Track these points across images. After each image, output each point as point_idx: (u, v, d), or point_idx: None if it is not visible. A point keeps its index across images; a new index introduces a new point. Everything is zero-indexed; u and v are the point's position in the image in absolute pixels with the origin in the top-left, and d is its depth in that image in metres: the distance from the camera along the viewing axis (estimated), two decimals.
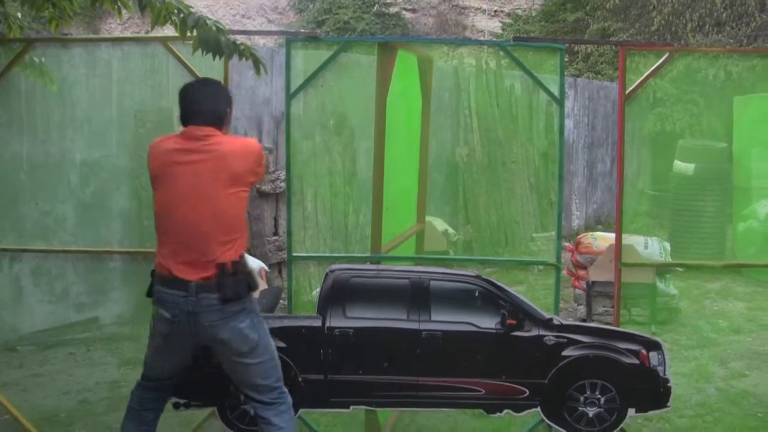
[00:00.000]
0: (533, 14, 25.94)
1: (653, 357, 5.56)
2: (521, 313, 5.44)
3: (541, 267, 11.83)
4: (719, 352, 8.81)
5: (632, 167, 19.41)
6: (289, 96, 5.52)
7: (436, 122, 13.61)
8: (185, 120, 4.72)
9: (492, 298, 5.50)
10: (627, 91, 5.82)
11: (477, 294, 5.52)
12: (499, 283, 5.61)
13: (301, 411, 5.36)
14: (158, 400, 5.02)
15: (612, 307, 9.61)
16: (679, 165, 13.85)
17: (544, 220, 15.32)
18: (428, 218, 9.67)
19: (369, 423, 5.78)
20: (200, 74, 5.38)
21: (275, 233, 10.08)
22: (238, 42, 4.98)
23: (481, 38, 26.96)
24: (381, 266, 5.70)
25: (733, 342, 9.25)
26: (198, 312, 4.55)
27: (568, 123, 17.16)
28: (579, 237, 10.32)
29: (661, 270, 9.75)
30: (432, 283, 5.48)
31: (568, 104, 17.31)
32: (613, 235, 10.15)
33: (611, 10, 22.90)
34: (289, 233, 5.81)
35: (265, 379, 4.79)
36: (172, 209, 4.59)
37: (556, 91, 5.85)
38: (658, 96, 19.37)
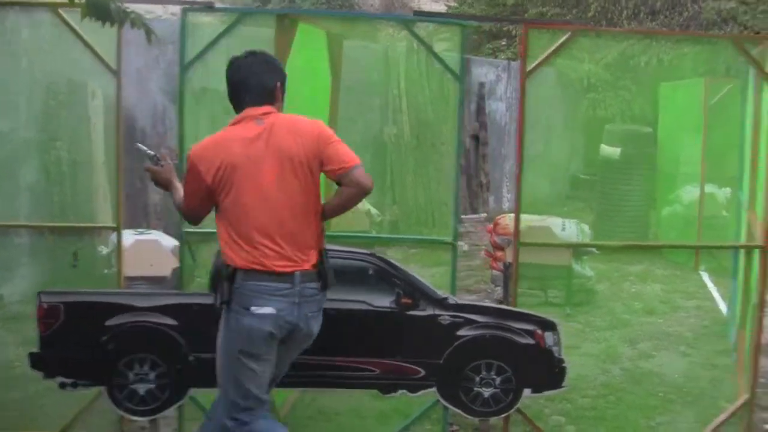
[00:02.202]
0: None
1: (548, 337, 5.56)
2: (416, 292, 5.40)
3: (465, 248, 11.85)
4: (630, 333, 8.89)
5: (564, 151, 19.53)
6: (183, 68, 5.38)
7: (364, 102, 13.62)
8: (237, 97, 4.47)
9: (386, 276, 5.45)
10: (528, 69, 5.77)
11: (371, 272, 5.47)
12: (393, 262, 5.57)
13: (191, 390, 5.28)
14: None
15: (529, 288, 9.80)
16: (606, 149, 13.94)
17: (474, 201, 15.29)
18: None
19: None
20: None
21: None
22: (128, 10, 4.85)
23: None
24: None
25: (645, 323, 9.34)
26: (302, 303, 4.37)
27: (501, 106, 17.21)
28: (497, 218, 10.32)
29: (578, 252, 9.79)
30: (331, 261, 5.42)
31: (501, 87, 17.35)
32: (532, 217, 10.27)
33: None
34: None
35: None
36: (258, 202, 4.29)
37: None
38: (592, 81, 19.50)
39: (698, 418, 6.64)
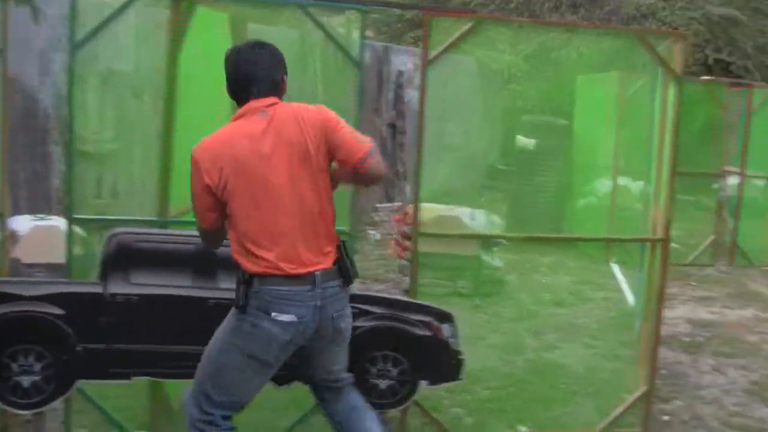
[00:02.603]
0: None
1: (445, 329, 5.53)
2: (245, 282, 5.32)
3: (378, 237, 11.86)
4: (537, 325, 8.94)
5: (483, 142, 19.61)
6: (74, 46, 5.14)
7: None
8: (241, 89, 4.26)
9: None
10: (429, 58, 5.76)
11: None
12: None
13: (79, 382, 5.14)
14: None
15: (437, 278, 9.80)
16: (522, 140, 14.01)
17: (390, 190, 15.30)
18: None
19: (154, 394, 5.58)
20: None
21: (98, 196, 9.72)
22: None
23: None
24: (167, 231, 5.46)
25: (553, 315, 9.41)
26: (325, 304, 4.21)
27: (418, 95, 17.13)
28: (406, 208, 10.31)
29: (487, 242, 9.81)
30: (220, 249, 5.33)
31: (419, 76, 17.28)
32: (441, 206, 10.28)
33: None
34: (69, 193, 5.48)
35: (347, 360, 4.63)
36: (271, 198, 4.09)
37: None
38: (512, 72, 19.62)
39: (598, 409, 6.66)
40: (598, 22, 20.70)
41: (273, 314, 4.12)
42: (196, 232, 5.04)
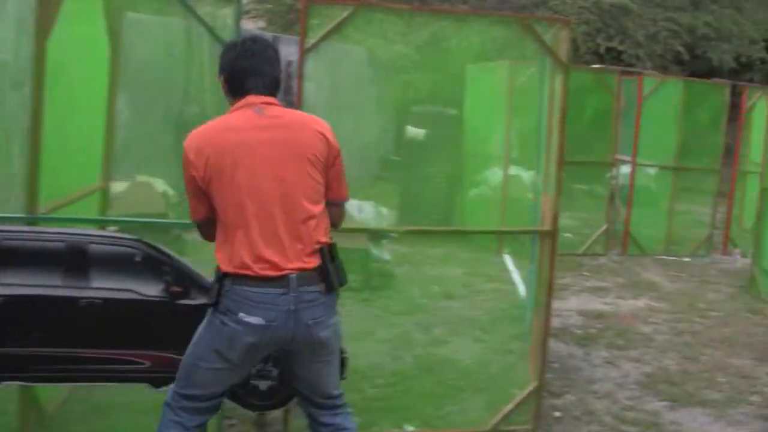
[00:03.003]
0: None
1: None
2: (186, 281, 5.00)
3: None
4: (426, 319, 8.67)
5: (375, 132, 19.38)
6: None
7: (166, 80, 13.07)
8: (239, 85, 4.07)
9: (156, 263, 5.03)
10: (308, 46, 5.48)
11: (139, 259, 5.05)
12: (163, 249, 5.16)
13: None
14: (203, 419, 4.31)
15: None
16: (411, 130, 13.75)
17: None
18: (147, 178, 9.13)
19: (24, 401, 5.23)
20: None
21: None
22: None
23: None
24: (35, 228, 5.12)
25: (443, 308, 9.16)
26: (300, 309, 3.95)
27: (310, 85, 16.84)
28: None
29: (375, 235, 9.53)
30: (91, 246, 4.96)
31: (309, 66, 16.99)
32: None
33: None
34: None
35: (337, 379, 4.40)
36: (256, 194, 3.93)
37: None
38: (403, 62, 19.39)
39: (488, 406, 6.43)
40: (489, 11, 20.59)
41: (240, 314, 3.94)
42: (64, 229, 4.73)
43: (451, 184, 13.67)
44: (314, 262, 4.01)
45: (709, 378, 7.54)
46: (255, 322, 3.93)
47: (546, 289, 6.27)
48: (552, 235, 6.17)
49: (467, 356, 7.66)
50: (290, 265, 3.94)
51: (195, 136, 3.98)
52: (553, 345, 8.12)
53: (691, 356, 8.12)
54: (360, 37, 19.85)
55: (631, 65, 19.48)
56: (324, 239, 4.09)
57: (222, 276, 4.00)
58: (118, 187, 10.36)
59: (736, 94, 15.88)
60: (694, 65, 21.96)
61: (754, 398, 7.12)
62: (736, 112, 14.87)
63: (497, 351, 7.87)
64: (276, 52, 4.22)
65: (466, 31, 18.51)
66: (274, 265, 3.93)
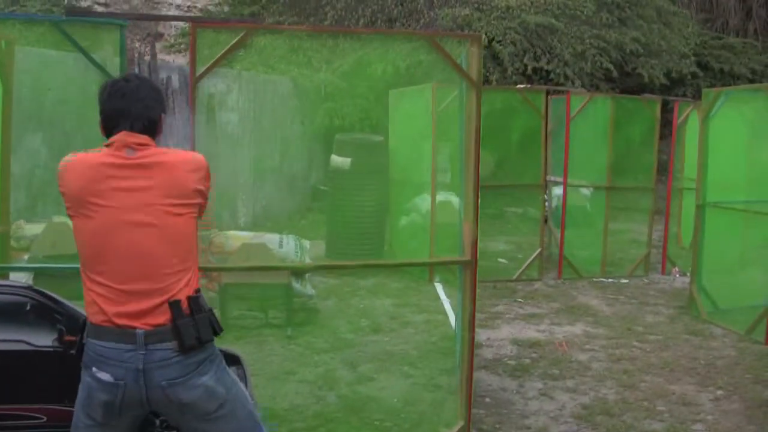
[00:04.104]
0: (225, 9, 25.19)
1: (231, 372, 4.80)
2: (81, 329, 4.55)
3: None
4: (352, 355, 8.21)
5: (303, 162, 19.03)
6: None
7: (82, 115, 12.54)
8: (112, 126, 3.71)
9: (47, 311, 4.68)
10: (197, 74, 5.06)
11: (29, 308, 4.64)
12: (54, 296, 4.75)
13: None
14: None
15: (248, 310, 9.07)
16: (336, 159, 13.29)
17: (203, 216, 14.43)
18: (65, 219, 8.67)
19: None
20: None
21: None
22: None
23: (172, 32, 26.18)
24: None
25: (370, 342, 8.70)
26: (150, 368, 3.57)
27: (233, 117, 16.40)
28: (212, 236, 9.50)
29: (298, 270, 9.08)
30: None
31: (233, 97, 16.56)
32: (248, 234, 9.55)
33: (287, 3, 22.65)
34: None
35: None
36: (110, 237, 3.60)
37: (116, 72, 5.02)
38: (328, 90, 19.08)
39: None
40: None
41: (93, 369, 3.61)
42: None
43: (380, 212, 13.26)
44: (168, 316, 3.62)
45: (649, 407, 7.14)
46: (105, 379, 3.57)
47: (468, 324, 5.82)
48: (470, 265, 5.73)
49: (394, 394, 7.20)
50: (141, 318, 3.58)
51: (65, 165, 3.66)
52: (485, 377, 7.70)
53: (629, 384, 7.72)
54: (285, 68, 19.49)
55: (560, 84, 19.24)
56: (181, 292, 3.67)
57: (83, 325, 3.71)
58: (33, 228, 9.87)
59: (668, 110, 15.69)
60: (625, 82, 21.81)
61: (697, 427, 6.73)
62: (669, 128, 14.62)
63: (426, 387, 7.42)
64: (154, 90, 3.91)
65: (392, 55, 18.27)
66: (124, 316, 3.56)
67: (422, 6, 21.95)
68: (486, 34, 20.29)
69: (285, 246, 9.32)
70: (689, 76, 23.14)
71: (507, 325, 9.78)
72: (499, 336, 9.17)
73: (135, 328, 3.56)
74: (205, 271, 8.97)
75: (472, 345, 5.87)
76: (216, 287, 8.99)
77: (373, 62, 18.23)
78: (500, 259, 13.73)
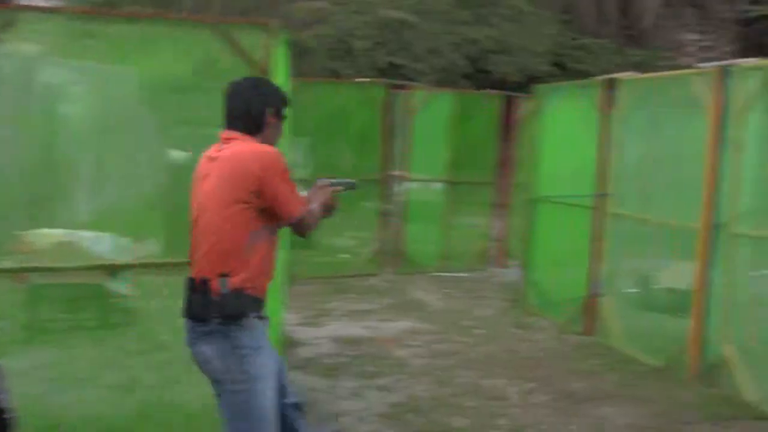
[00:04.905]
0: None
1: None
2: None
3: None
4: (163, 357, 7.90)
5: (147, 157, 18.61)
6: None
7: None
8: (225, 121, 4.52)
9: None
10: None
11: None
12: None
13: None
14: None
15: (61, 312, 8.70)
16: (174, 153, 12.96)
17: (37, 213, 13.95)
18: None
19: None
20: None
21: None
22: None
23: None
24: None
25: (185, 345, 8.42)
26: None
27: (76, 108, 15.92)
28: (21, 234, 9.12)
29: (114, 269, 8.75)
30: None
31: (79, 89, 16.09)
32: (60, 231, 9.17)
33: None
34: None
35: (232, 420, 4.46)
36: (192, 218, 4.57)
37: None
38: (179, 83, 18.70)
39: None
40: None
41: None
42: None
43: None
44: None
45: (459, 403, 7.08)
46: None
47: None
48: None
49: (197, 397, 6.96)
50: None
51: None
52: (297, 378, 7.53)
53: (445, 380, 7.66)
54: (137, 57, 19.02)
55: (413, 80, 19.22)
56: (210, 271, 4.31)
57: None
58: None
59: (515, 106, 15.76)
60: (481, 79, 21.92)
61: (502, 422, 6.69)
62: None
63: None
64: (258, 89, 4.49)
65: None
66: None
67: None
68: (341, 28, 20.19)
69: (100, 244, 8.99)
70: (546, 76, 23.40)
71: (334, 322, 9.64)
72: (321, 334, 9.02)
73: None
74: (10, 273, 8.67)
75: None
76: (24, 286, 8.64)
77: (221, 57, 17.94)
78: (341, 255, 13.60)
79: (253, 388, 4.28)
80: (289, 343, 8.00)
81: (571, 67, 24.73)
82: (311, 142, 12.88)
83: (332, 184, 4.69)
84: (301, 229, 4.44)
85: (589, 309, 9.42)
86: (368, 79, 14.15)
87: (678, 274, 9.15)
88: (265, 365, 4.33)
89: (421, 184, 13.57)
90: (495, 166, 13.93)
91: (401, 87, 13.92)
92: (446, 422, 6.65)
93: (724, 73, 7.70)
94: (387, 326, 9.53)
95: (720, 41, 28.80)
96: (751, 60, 7.83)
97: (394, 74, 20.08)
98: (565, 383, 7.64)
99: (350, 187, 4.85)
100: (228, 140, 4.39)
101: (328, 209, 4.60)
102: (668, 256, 9.57)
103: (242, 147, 4.29)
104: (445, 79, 20.75)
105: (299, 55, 20.03)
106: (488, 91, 14.89)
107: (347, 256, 13.55)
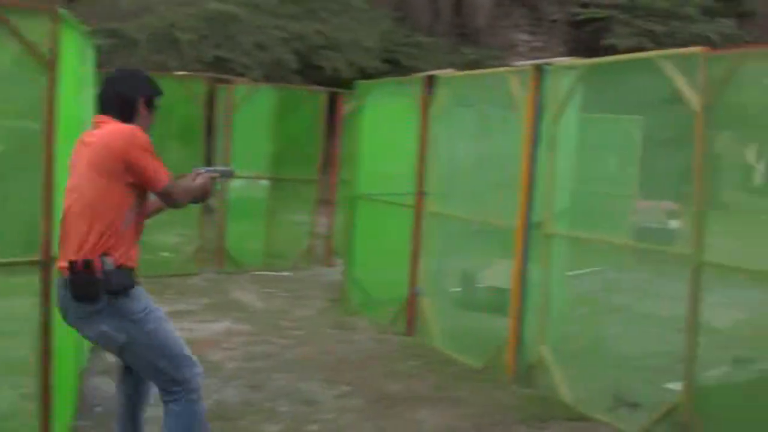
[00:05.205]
0: None
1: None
2: None
3: None
4: None
5: None
6: None
7: None
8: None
9: None
10: None
11: None
12: None
13: None
14: None
15: None
16: None
17: None
18: None
19: None
20: None
21: None
22: None
23: None
24: None
25: None
26: (66, 308, 4.68)
27: None
28: None
29: None
30: None
31: None
32: None
33: None
34: None
35: (152, 377, 4.96)
36: (64, 199, 4.66)
37: None
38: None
39: None
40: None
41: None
42: None
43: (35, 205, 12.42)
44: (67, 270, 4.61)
45: (271, 408, 6.88)
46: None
47: (41, 331, 5.36)
48: (42, 266, 5.22)
49: None
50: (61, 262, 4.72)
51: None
52: (103, 383, 7.21)
53: (258, 384, 7.45)
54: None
55: (240, 74, 18.91)
56: (83, 252, 4.55)
57: None
58: None
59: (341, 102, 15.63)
60: (313, 75, 21.72)
61: (312, 427, 6.53)
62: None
63: (35, 397, 6.82)
64: (132, 79, 4.97)
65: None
66: (61, 257, 4.72)
67: None
68: (168, 20, 19.74)
69: None
70: (379, 73, 23.37)
71: None
72: None
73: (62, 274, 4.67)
74: None
75: (46, 353, 5.38)
76: None
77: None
78: (163, 253, 13.22)
79: (157, 336, 4.72)
80: (95, 347, 7.61)
81: (406, 65, 24.78)
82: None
83: (209, 171, 5.03)
84: (168, 199, 4.83)
85: (409, 309, 9.35)
86: (188, 73, 13.80)
87: (499, 273, 9.18)
88: (159, 317, 4.78)
89: (244, 181, 13.27)
90: (320, 162, 13.78)
91: (224, 81, 13.64)
92: (256, 429, 6.45)
93: (540, 71, 7.71)
94: (204, 328, 9.26)
95: (551, 42, 29.40)
96: (566, 59, 7.87)
97: (222, 68, 19.71)
98: (381, 386, 7.54)
99: (227, 174, 5.29)
100: (99, 124, 4.72)
101: (202, 193, 4.97)
102: (490, 255, 9.62)
103: (110, 128, 4.64)
104: (274, 75, 20.47)
105: (125, 46, 19.49)
106: (314, 87, 14.73)
107: (168, 254, 13.18)
